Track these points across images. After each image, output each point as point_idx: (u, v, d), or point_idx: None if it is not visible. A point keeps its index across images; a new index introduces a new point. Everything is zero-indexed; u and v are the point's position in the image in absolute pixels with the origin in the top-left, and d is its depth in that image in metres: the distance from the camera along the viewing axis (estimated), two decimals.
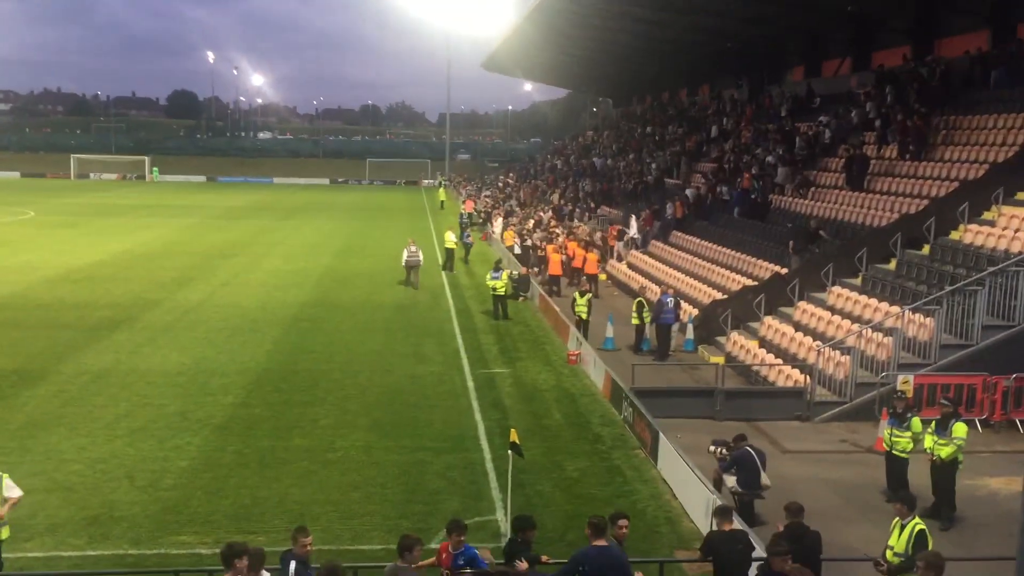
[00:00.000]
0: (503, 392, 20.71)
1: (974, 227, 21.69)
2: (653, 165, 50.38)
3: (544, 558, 10.22)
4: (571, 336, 24.89)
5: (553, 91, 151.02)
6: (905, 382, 17.86)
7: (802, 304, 23.38)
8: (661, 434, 15.80)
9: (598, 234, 41.97)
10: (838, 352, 19.70)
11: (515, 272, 33.50)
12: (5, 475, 11.15)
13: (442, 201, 76.46)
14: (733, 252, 29.81)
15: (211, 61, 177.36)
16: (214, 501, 14.12)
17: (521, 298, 32.34)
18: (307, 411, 18.81)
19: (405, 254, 34.67)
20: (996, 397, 18.24)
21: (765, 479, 13.71)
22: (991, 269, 19.19)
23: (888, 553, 10.31)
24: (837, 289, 22.91)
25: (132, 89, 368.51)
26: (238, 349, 24.09)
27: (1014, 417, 18.33)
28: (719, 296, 26.93)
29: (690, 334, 25.38)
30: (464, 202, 66.57)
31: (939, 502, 13.92)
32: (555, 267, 34.86)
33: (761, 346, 22.85)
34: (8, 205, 66.85)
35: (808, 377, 19.53)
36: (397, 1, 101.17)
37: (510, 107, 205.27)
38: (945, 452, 13.73)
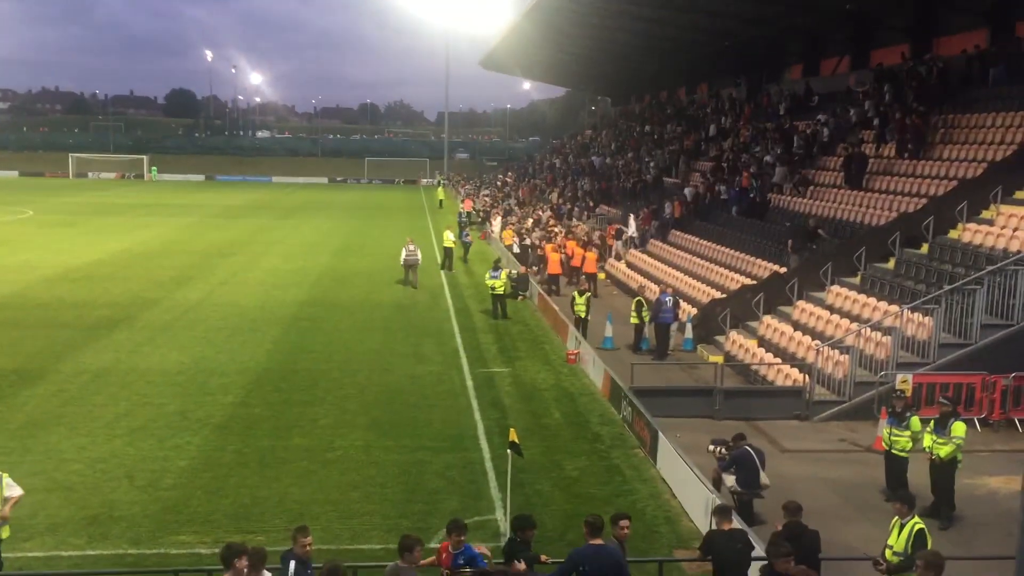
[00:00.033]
0: (502, 391, 20.72)
1: (973, 226, 21.71)
2: (651, 164, 50.39)
3: (543, 558, 10.23)
4: (570, 335, 24.90)
5: (552, 90, 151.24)
6: (904, 381, 17.87)
7: (801, 303, 23.39)
8: (660, 433, 15.81)
9: (596, 233, 41.97)
10: (837, 351, 19.71)
11: (514, 271, 33.51)
12: (5, 474, 11.16)
13: (441, 200, 76.44)
14: (732, 251, 29.82)
15: (209, 60, 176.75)
16: (214, 501, 14.12)
17: (520, 297, 32.35)
18: (306, 411, 18.82)
19: (403, 253, 34.69)
20: (995, 396, 18.26)
21: (764, 478, 13.72)
22: (990, 268, 19.20)
23: (887, 552, 10.32)
24: (836, 288, 22.92)
25: (130, 88, 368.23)
26: (237, 348, 24.09)
27: (1013, 416, 18.35)
28: (718, 295, 26.95)
29: (689, 333, 25.40)
30: (463, 201, 66.61)
31: (938, 501, 13.93)
32: (554, 266, 34.87)
33: (760, 345, 22.87)
34: (7, 204, 66.81)
35: (807, 376, 19.55)
36: (396, 0, 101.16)
37: (509, 106, 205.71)
38: (944, 451, 13.74)
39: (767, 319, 23.70)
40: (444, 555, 9.87)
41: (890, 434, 14.58)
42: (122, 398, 19.36)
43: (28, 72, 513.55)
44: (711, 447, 14.52)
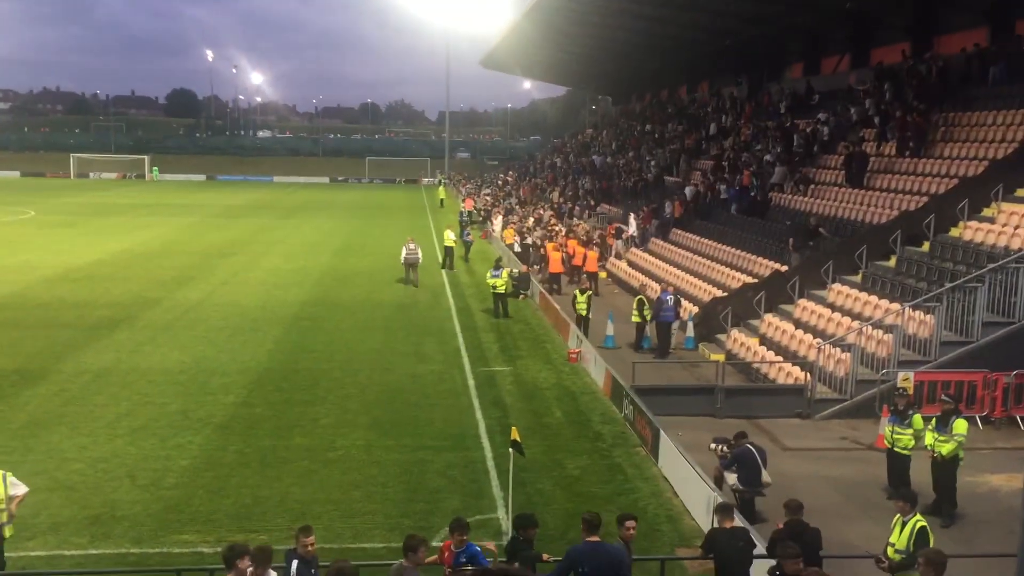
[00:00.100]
0: (504, 390, 20.72)
1: (974, 224, 21.70)
2: (652, 163, 50.38)
3: (545, 556, 10.23)
4: (571, 334, 24.90)
5: (552, 89, 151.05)
6: (906, 379, 17.88)
7: (802, 301, 23.39)
8: (662, 432, 15.81)
9: (597, 232, 41.97)
10: (838, 349, 19.71)
11: (515, 270, 33.52)
12: (9, 473, 11.19)
13: (442, 199, 76.45)
14: (733, 250, 29.82)
15: (210, 60, 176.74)
16: (216, 500, 14.13)
17: (521, 296, 32.35)
18: (308, 410, 18.83)
19: (404, 252, 34.72)
20: (996, 394, 18.26)
21: (766, 476, 13.73)
22: (991, 266, 19.20)
23: (889, 550, 10.32)
24: (837, 286, 22.92)
25: (131, 88, 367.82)
26: (238, 348, 24.10)
27: (1014, 414, 18.35)
28: (719, 294, 26.95)
29: (690, 332, 25.39)
30: (464, 200, 66.62)
31: (940, 499, 13.94)
32: (556, 265, 34.87)
33: (761, 343, 22.86)
34: (8, 205, 66.85)
35: (808, 374, 19.55)
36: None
37: (509, 105, 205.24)
38: (946, 449, 13.74)
39: (768, 317, 23.70)
40: (447, 554, 9.89)
41: (892, 432, 14.57)
42: (123, 398, 19.37)
43: (29, 72, 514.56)
44: (713, 445, 14.52)
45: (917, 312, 19.49)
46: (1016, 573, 7.25)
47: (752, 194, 33.29)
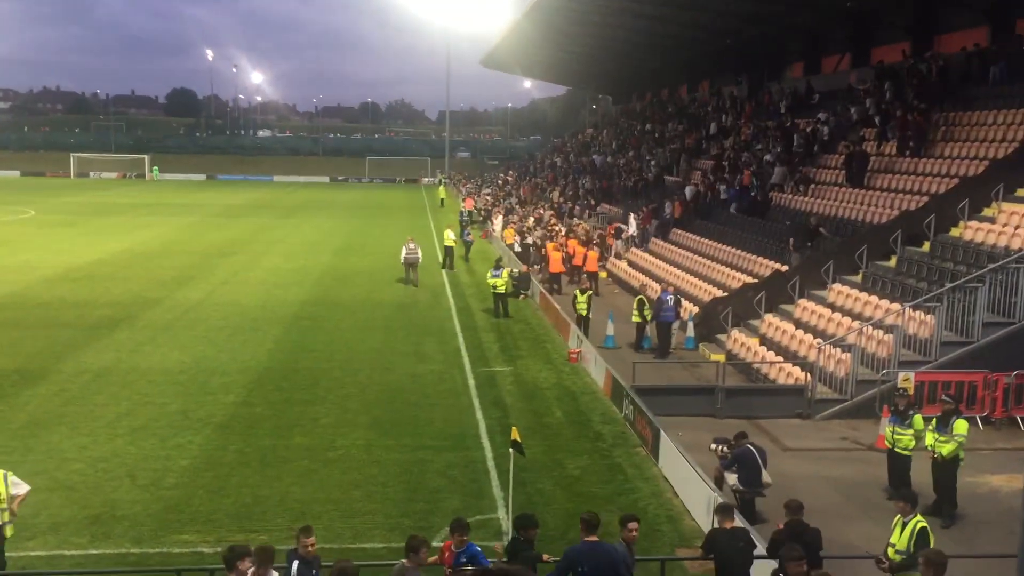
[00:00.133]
0: (504, 390, 20.72)
1: (974, 224, 21.69)
2: (653, 162, 50.38)
3: (545, 556, 10.23)
4: (572, 334, 24.89)
5: (553, 88, 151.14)
6: (906, 379, 17.86)
7: (803, 301, 23.38)
8: (662, 432, 15.81)
9: (597, 232, 41.97)
10: (839, 349, 19.70)
11: (516, 270, 33.51)
12: (10, 473, 11.19)
13: (442, 199, 76.45)
14: (733, 249, 29.81)
15: (210, 59, 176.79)
16: (216, 500, 14.13)
17: (522, 296, 32.35)
18: (308, 410, 18.82)
19: (404, 251, 34.73)
20: (997, 394, 18.24)
21: (766, 477, 13.72)
22: (991, 266, 19.19)
23: (890, 551, 10.32)
24: (837, 286, 22.91)
25: (131, 87, 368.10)
26: (239, 348, 24.09)
27: (1015, 414, 18.33)
28: (720, 294, 26.94)
29: (691, 332, 25.38)
30: (464, 200, 66.60)
31: (940, 499, 13.93)
32: (556, 265, 34.86)
33: (762, 344, 22.85)
34: (8, 204, 66.84)
35: (809, 375, 19.54)
36: None
37: (509, 104, 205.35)
38: (946, 449, 13.73)
39: (769, 317, 23.69)
40: (447, 554, 9.90)
41: (893, 432, 14.56)
42: (123, 397, 19.37)
43: (29, 72, 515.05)
44: (713, 445, 14.51)
45: (917, 312, 19.48)
46: (1016, 574, 7.25)
47: (752, 194, 33.28)
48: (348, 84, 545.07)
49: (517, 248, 41.47)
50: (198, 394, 19.74)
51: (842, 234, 25.93)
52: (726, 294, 26.49)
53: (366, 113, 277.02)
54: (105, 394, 19.61)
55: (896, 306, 20.02)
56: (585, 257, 34.65)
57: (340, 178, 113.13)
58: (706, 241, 32.57)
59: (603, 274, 36.20)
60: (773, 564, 10.11)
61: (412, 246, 34.67)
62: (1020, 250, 19.36)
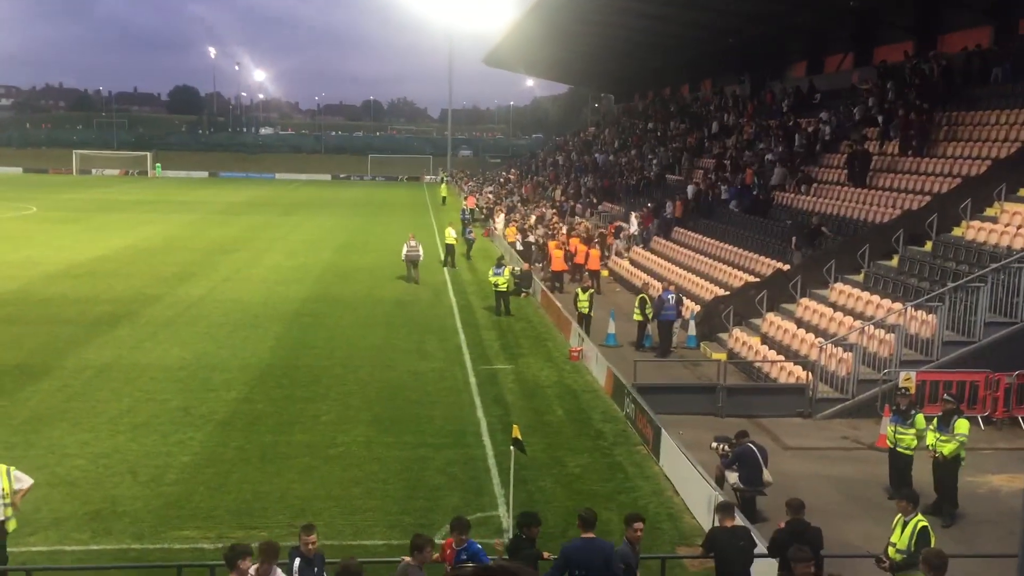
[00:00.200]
0: (505, 388, 20.72)
1: (976, 223, 21.67)
2: (655, 161, 50.35)
3: (545, 554, 10.25)
4: (573, 332, 24.89)
5: (555, 87, 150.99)
6: (907, 379, 17.85)
7: (804, 301, 23.36)
8: (663, 430, 15.81)
9: (598, 231, 41.95)
10: (840, 349, 19.69)
11: (517, 268, 33.52)
12: (12, 468, 11.22)
13: (444, 197, 76.40)
14: (735, 248, 29.80)
15: (212, 57, 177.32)
16: (216, 496, 14.14)
17: (523, 294, 32.35)
18: (309, 407, 18.84)
19: (405, 249, 34.76)
20: (998, 394, 18.23)
21: (767, 475, 13.72)
22: (993, 266, 19.17)
23: (890, 550, 10.32)
24: (839, 286, 22.89)
25: (134, 85, 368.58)
26: (240, 344, 24.11)
27: (1016, 414, 18.32)
28: (721, 292, 26.92)
29: (692, 330, 25.37)
30: (466, 198, 66.55)
31: (941, 499, 13.93)
32: (558, 263, 34.84)
33: (763, 343, 22.84)
34: (10, 201, 66.86)
35: (810, 374, 19.53)
36: None
37: (512, 103, 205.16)
38: (947, 449, 13.73)
39: (770, 316, 23.68)
40: (448, 552, 9.92)
41: (895, 432, 14.56)
42: (125, 394, 19.39)
43: (32, 69, 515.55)
44: (714, 444, 14.52)
45: (919, 312, 19.46)
46: (1016, 573, 7.25)
47: (755, 193, 33.26)
48: (350, 82, 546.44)
49: (519, 246, 41.45)
50: (199, 390, 19.75)
51: (844, 233, 25.91)
52: (728, 293, 26.47)
53: (368, 111, 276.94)
54: (106, 390, 19.62)
55: (898, 305, 20.01)
56: (587, 255, 34.63)
57: (342, 176, 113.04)
58: (708, 240, 32.56)
59: (605, 272, 36.19)
60: (774, 563, 10.12)
61: (413, 243, 34.68)
62: (1022, 250, 19.34)
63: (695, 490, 13.79)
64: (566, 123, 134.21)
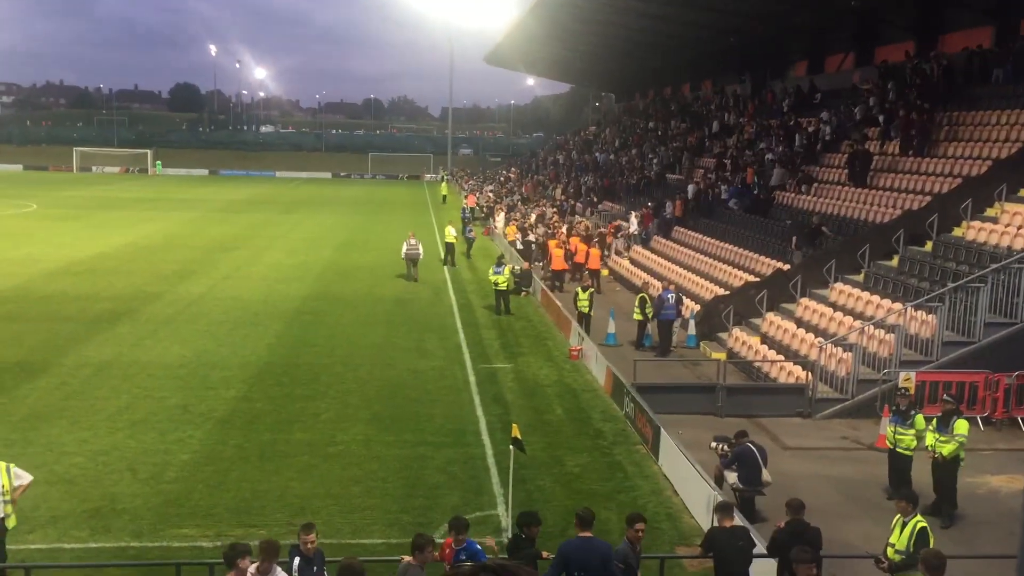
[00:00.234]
0: (505, 387, 20.71)
1: (977, 223, 21.66)
2: (655, 160, 50.35)
3: (544, 554, 10.24)
4: (573, 331, 24.88)
5: (556, 86, 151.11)
6: (907, 379, 17.84)
7: (804, 300, 23.35)
8: (662, 430, 15.80)
9: (598, 230, 41.94)
10: (840, 349, 19.68)
11: (517, 267, 33.50)
12: (12, 464, 11.21)
13: (444, 196, 76.39)
14: (735, 248, 29.78)
15: (213, 55, 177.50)
16: (215, 494, 14.14)
17: (523, 293, 32.33)
18: (308, 405, 18.83)
19: (404, 247, 34.76)
20: (998, 395, 18.22)
21: (766, 475, 13.71)
22: (994, 266, 19.16)
23: (889, 551, 10.31)
24: (839, 286, 22.88)
25: (134, 82, 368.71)
26: (239, 342, 24.10)
27: (1016, 415, 18.31)
28: (721, 292, 26.91)
29: (692, 330, 25.36)
30: (466, 197, 66.53)
31: (940, 499, 13.92)
32: (558, 262, 34.82)
33: (763, 342, 22.83)
34: (10, 198, 66.86)
35: (810, 374, 19.52)
36: None
37: (512, 102, 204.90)
38: (947, 449, 13.72)
39: (770, 316, 23.66)
40: (447, 551, 9.92)
41: (894, 432, 14.55)
42: (124, 391, 19.38)
43: (32, 66, 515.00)
44: (713, 444, 14.51)
45: (919, 312, 19.45)
46: (1016, 574, 7.24)
47: (755, 192, 33.25)
48: (351, 80, 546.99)
49: (519, 245, 41.43)
50: (199, 388, 19.74)
51: (844, 233, 25.90)
52: (728, 292, 26.46)
53: (369, 109, 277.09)
54: (106, 388, 19.62)
55: (898, 306, 20.00)
56: (587, 254, 34.62)
57: (342, 174, 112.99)
58: (708, 239, 32.55)
59: (605, 272, 36.18)
60: (773, 563, 10.12)
61: (413, 242, 34.67)
62: (1022, 250, 19.32)
63: (694, 490, 13.78)
64: (567, 122, 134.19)
